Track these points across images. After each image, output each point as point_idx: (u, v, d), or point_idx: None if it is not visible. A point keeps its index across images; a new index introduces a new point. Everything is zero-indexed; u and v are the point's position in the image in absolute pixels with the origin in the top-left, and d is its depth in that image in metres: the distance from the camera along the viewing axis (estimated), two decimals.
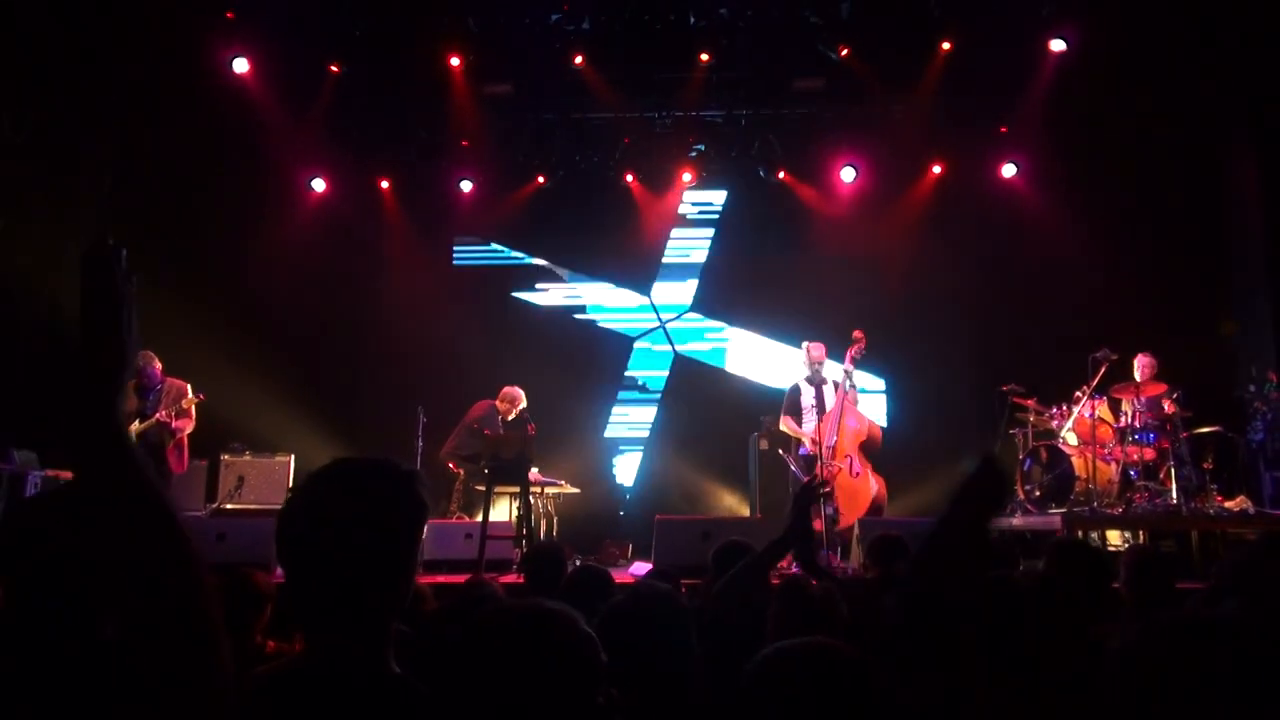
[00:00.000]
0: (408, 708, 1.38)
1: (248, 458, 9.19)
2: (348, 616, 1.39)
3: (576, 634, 1.51)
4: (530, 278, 11.16)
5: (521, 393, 8.52)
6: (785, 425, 8.30)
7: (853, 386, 8.13)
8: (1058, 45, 8.96)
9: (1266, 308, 8.89)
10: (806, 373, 8.34)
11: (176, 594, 1.08)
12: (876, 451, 8.28)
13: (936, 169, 10.22)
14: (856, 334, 8.08)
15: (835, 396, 8.13)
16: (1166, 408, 7.63)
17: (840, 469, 7.98)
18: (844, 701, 1.55)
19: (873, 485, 8.06)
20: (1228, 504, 7.46)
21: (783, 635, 2.24)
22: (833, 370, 8.30)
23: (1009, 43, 9.19)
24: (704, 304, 11.07)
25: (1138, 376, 7.93)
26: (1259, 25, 8.38)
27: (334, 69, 9.26)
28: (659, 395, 10.96)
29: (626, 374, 11.01)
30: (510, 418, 8.42)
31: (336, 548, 1.39)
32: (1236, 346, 9.42)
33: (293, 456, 9.29)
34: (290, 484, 9.15)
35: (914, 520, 7.43)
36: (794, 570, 6.18)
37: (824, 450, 7.97)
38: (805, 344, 8.45)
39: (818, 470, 7.84)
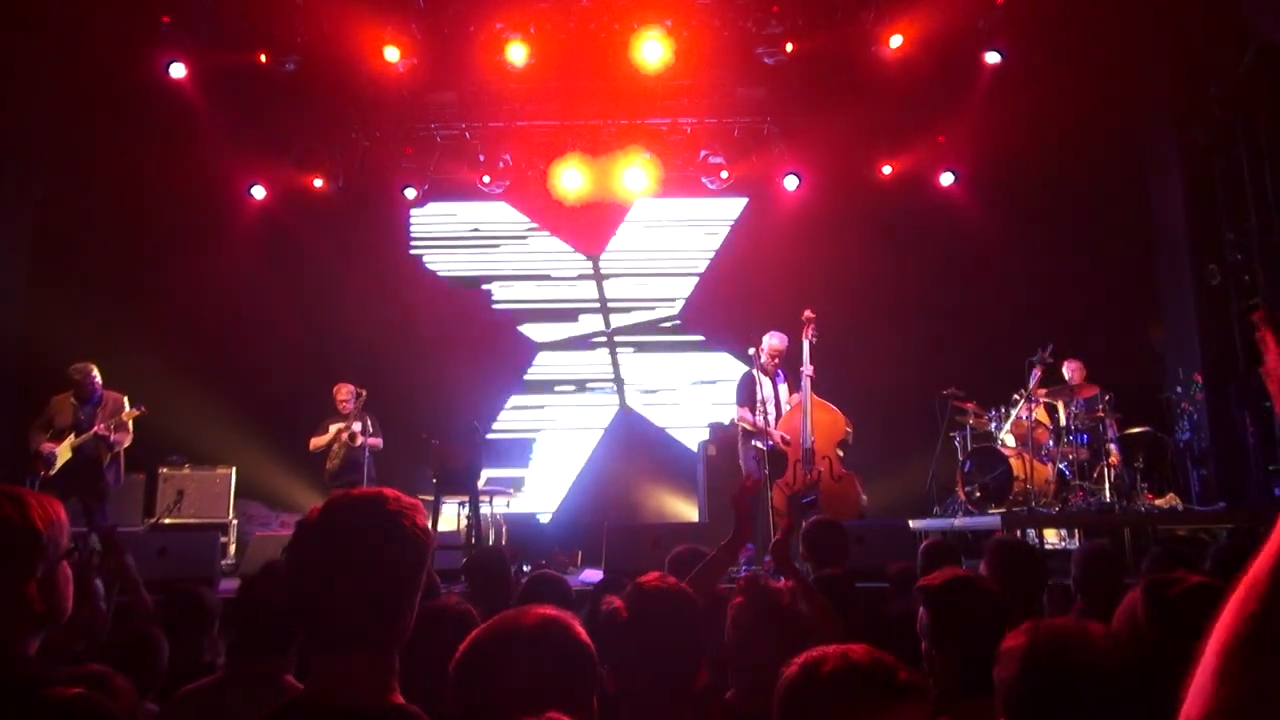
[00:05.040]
0: None
1: (187, 471, 8.99)
2: (356, 645, 1.47)
3: (576, 640, 1.56)
4: (475, 287, 11.10)
5: (349, 387, 8.52)
6: (741, 418, 7.59)
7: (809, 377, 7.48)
8: (992, 58, 9.18)
9: (1192, 312, 9.22)
10: (762, 361, 7.63)
11: None
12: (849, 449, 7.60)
13: (877, 176, 10.40)
14: (808, 314, 7.66)
15: (799, 392, 7.53)
16: (1100, 410, 7.89)
17: (820, 472, 7.32)
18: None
19: (860, 489, 7.43)
20: (1158, 502, 7.74)
21: (741, 631, 2.29)
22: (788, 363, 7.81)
23: (946, 54, 9.39)
24: (647, 311, 11.10)
25: (1068, 378, 8.18)
26: (1181, 44, 8.69)
27: (262, 58, 9.05)
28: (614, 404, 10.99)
29: (578, 381, 11.01)
30: (348, 410, 8.42)
31: (348, 586, 1.47)
32: (1165, 350, 9.75)
33: (234, 469, 9.12)
34: (232, 497, 9.00)
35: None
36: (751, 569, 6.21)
37: (802, 454, 7.29)
38: (770, 333, 7.78)
39: (790, 476, 7.31)
